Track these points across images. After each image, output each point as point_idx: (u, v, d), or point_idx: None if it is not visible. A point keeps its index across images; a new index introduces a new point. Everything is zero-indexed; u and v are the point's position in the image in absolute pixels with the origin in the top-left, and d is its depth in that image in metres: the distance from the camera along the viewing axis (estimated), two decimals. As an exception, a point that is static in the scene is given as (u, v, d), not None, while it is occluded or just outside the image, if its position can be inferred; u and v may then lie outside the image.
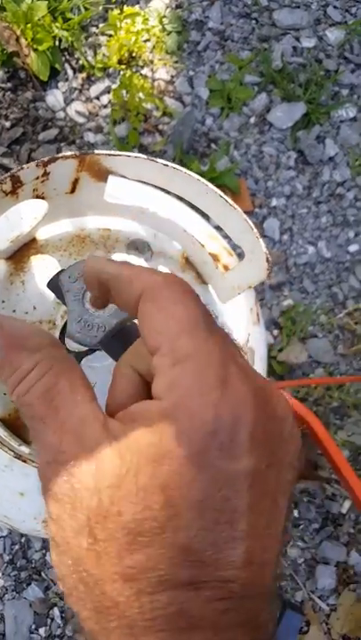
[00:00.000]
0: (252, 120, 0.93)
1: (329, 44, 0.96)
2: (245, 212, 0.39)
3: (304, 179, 0.91)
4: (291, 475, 0.20)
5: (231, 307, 0.48)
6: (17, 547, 0.76)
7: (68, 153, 0.38)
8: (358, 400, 0.86)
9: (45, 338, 0.22)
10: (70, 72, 0.92)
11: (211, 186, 0.39)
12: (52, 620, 0.75)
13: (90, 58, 0.93)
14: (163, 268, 0.48)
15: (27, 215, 0.47)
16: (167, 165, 0.39)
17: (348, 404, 0.86)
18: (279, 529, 0.19)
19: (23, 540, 0.77)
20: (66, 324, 0.42)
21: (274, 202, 0.90)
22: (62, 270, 0.38)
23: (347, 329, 0.89)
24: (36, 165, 0.38)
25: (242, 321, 0.48)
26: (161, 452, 0.18)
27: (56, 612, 0.75)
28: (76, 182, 0.43)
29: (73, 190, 0.44)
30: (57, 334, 0.47)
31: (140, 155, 0.39)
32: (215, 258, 0.48)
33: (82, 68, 0.92)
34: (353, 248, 0.90)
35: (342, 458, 0.78)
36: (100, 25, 0.94)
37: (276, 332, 0.87)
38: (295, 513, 0.81)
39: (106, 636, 0.18)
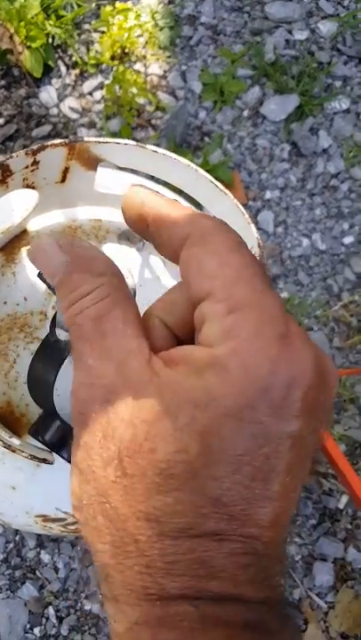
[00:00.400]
0: (246, 113, 0.92)
1: (321, 37, 0.96)
2: (237, 200, 0.39)
3: (298, 171, 0.91)
4: (319, 439, 0.19)
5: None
6: (11, 545, 0.76)
7: (58, 140, 0.38)
8: (355, 394, 0.86)
9: (110, 266, 0.21)
10: (63, 69, 0.92)
11: (201, 171, 0.39)
12: (47, 619, 0.74)
13: (83, 54, 0.93)
14: (154, 258, 0.48)
15: (17, 206, 0.47)
16: (157, 152, 0.39)
17: (344, 398, 0.86)
18: (299, 491, 0.19)
19: (17, 538, 0.76)
20: (56, 314, 0.41)
21: (268, 194, 0.90)
22: None
23: (342, 321, 0.89)
24: (26, 154, 0.38)
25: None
26: (205, 398, 0.17)
27: (51, 611, 0.75)
28: (66, 171, 0.43)
29: (63, 180, 0.44)
30: (48, 325, 0.46)
31: (129, 141, 0.39)
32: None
33: (75, 65, 0.92)
34: (348, 240, 0.90)
35: (339, 452, 0.77)
36: (93, 22, 0.94)
37: (271, 326, 0.86)
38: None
39: (121, 571, 0.18)
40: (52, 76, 0.92)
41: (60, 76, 0.92)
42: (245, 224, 0.38)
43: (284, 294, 0.88)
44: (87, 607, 0.75)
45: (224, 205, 0.40)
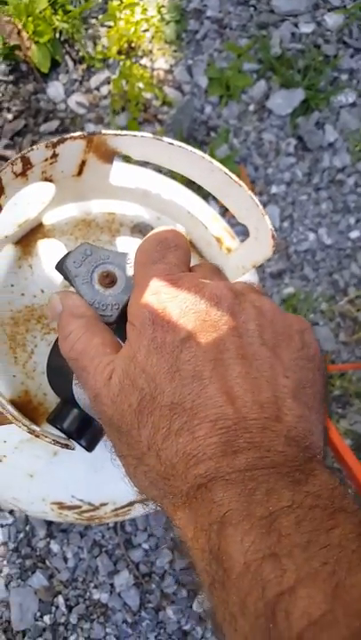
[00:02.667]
0: (252, 107, 0.93)
1: (328, 29, 0.96)
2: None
3: (304, 165, 0.92)
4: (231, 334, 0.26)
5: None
6: (22, 535, 0.77)
7: (77, 133, 0.39)
8: (360, 388, 0.87)
9: (89, 310, 0.30)
10: (70, 64, 0.93)
11: (216, 163, 0.39)
12: (57, 607, 0.76)
13: (90, 49, 0.93)
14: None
15: (34, 199, 0.47)
16: (172, 144, 0.39)
17: (350, 393, 0.87)
18: (274, 379, 0.24)
19: (28, 528, 0.77)
20: None
21: (274, 189, 0.90)
22: (70, 252, 0.38)
23: (348, 316, 0.89)
24: (46, 146, 0.38)
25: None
26: (132, 351, 0.26)
27: (60, 599, 0.76)
28: (83, 164, 0.43)
29: (80, 173, 0.45)
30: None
31: (145, 134, 0.39)
32: (218, 240, 0.49)
33: (82, 60, 0.93)
34: (354, 234, 0.90)
35: (345, 446, 0.78)
36: (100, 16, 0.94)
37: (277, 319, 0.87)
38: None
39: (168, 493, 0.24)
40: (59, 72, 0.92)
41: (67, 72, 0.92)
42: (260, 215, 0.39)
43: (290, 289, 0.89)
44: (96, 596, 0.76)
45: (238, 197, 0.41)
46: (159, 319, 0.26)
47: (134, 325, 0.27)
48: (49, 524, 0.77)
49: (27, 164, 0.38)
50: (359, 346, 0.89)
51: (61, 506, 0.47)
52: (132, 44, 0.93)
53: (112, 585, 0.76)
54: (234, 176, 0.39)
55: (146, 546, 0.77)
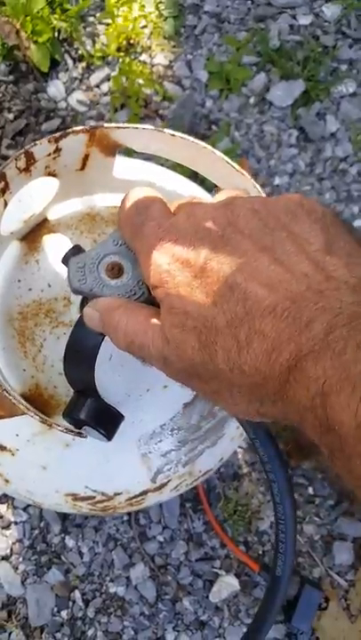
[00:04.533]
0: (252, 100, 0.93)
1: (326, 21, 0.96)
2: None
3: (306, 156, 0.92)
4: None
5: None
6: (36, 531, 0.78)
7: (79, 127, 0.39)
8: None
9: (121, 300, 0.32)
10: (70, 62, 0.93)
11: (218, 153, 0.39)
12: (74, 602, 0.76)
13: (89, 47, 0.94)
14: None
15: (38, 195, 0.48)
16: (174, 135, 0.40)
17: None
18: (301, 250, 0.25)
19: (42, 524, 0.78)
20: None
21: (277, 180, 0.91)
22: (76, 246, 0.38)
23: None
24: (49, 141, 0.39)
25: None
26: (167, 306, 0.27)
27: (77, 594, 0.76)
28: (86, 158, 0.44)
29: (83, 167, 0.45)
30: (72, 310, 0.47)
31: (147, 126, 0.40)
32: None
33: (81, 58, 0.93)
34: (358, 223, 0.90)
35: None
36: (98, 14, 0.95)
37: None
38: (310, 490, 0.82)
39: (265, 397, 0.25)
40: (59, 70, 0.93)
41: (67, 70, 0.93)
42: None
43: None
44: (112, 590, 0.77)
45: (241, 186, 0.41)
46: (173, 266, 0.27)
47: (156, 286, 0.28)
48: (63, 519, 0.77)
49: (30, 158, 0.38)
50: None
51: (75, 497, 0.48)
52: (131, 41, 0.94)
53: (128, 578, 0.77)
54: (236, 165, 0.40)
55: (161, 538, 0.78)
